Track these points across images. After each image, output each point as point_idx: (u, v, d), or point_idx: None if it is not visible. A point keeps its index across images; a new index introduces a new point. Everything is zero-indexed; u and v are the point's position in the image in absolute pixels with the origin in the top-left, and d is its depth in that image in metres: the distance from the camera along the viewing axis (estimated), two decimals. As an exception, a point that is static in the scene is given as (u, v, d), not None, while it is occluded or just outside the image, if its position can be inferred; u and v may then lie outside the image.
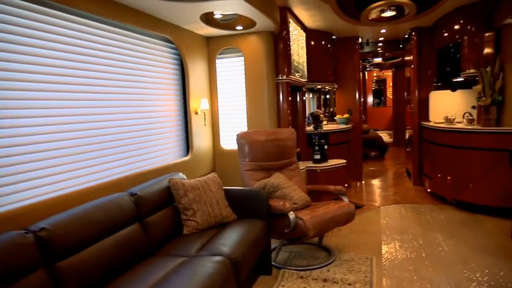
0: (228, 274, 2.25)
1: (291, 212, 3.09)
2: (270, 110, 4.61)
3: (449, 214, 4.71)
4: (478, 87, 4.73)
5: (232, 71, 4.72)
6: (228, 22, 4.20)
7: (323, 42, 6.30)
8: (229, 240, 2.57)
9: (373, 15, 5.06)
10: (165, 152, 3.86)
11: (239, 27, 4.31)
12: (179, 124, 4.17)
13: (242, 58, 4.59)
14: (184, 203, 2.84)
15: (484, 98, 4.62)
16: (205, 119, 4.51)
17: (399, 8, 4.75)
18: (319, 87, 6.53)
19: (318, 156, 4.84)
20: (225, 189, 3.19)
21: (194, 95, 4.31)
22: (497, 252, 3.52)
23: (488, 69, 4.62)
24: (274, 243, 3.48)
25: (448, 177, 5.03)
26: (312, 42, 6.02)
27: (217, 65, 4.73)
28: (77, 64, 2.66)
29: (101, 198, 2.39)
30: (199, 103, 4.38)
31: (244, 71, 4.60)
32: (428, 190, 5.73)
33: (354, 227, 4.25)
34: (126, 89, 3.23)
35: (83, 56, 2.72)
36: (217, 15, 3.93)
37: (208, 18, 3.95)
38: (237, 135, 3.82)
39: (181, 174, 3.26)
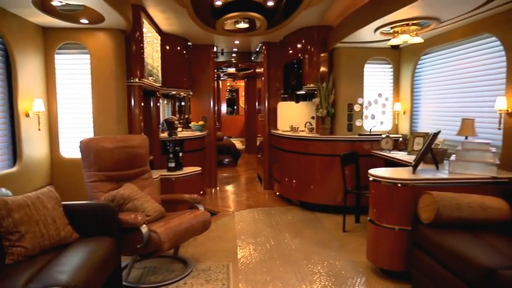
0: (67, 307, 1.89)
1: (144, 225, 2.85)
2: (120, 114, 4.23)
3: (295, 214, 5.16)
4: (317, 100, 5.35)
5: (76, 69, 4.15)
6: (70, 13, 3.68)
7: (179, 48, 6.19)
8: (69, 265, 2.17)
9: (228, 25, 5.22)
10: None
11: (84, 21, 3.82)
12: (3, 128, 3.42)
13: (88, 56, 4.10)
14: (7, 225, 2.29)
15: (321, 110, 5.25)
16: (39, 123, 3.83)
17: (252, 22, 5.01)
18: (174, 93, 6.38)
19: (172, 164, 4.66)
20: (65, 205, 2.72)
21: (25, 95, 3.61)
22: (334, 245, 3.99)
23: (324, 84, 5.28)
24: (126, 260, 3.16)
25: (294, 181, 5.52)
26: (167, 47, 5.84)
27: (56, 61, 4.10)
28: None
29: None
30: (31, 104, 3.70)
31: (90, 70, 4.11)
32: (277, 193, 6.19)
33: (210, 235, 4.23)
34: None
35: None
36: (56, 2, 3.39)
37: (44, 4, 3.37)
38: (81, 142, 3.35)
39: (3, 190, 2.64)
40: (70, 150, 4.15)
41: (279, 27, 5.22)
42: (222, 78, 12.31)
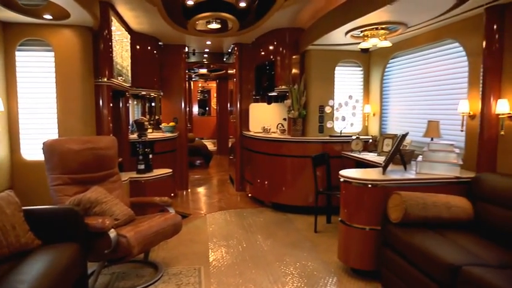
0: (28, 318, 1.79)
1: (112, 230, 2.75)
2: (87, 115, 4.08)
3: (267, 216, 5.15)
4: (288, 101, 5.38)
5: (39, 67, 3.97)
6: (33, 7, 3.51)
7: (149, 47, 6.05)
8: (30, 274, 2.06)
9: (200, 26, 5.15)
10: None
11: (48, 16, 3.66)
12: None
13: (52, 54, 3.92)
14: (-38, 232, 2.15)
15: (293, 112, 5.28)
16: (-2, 123, 3.63)
17: (224, 22, 4.97)
18: (144, 93, 6.23)
19: (142, 166, 4.54)
20: (26, 210, 2.58)
21: (-18, 93, 3.41)
22: (306, 245, 4.02)
23: (296, 86, 5.32)
24: (92, 266, 3.04)
25: (266, 182, 5.52)
26: (138, 46, 5.70)
27: (17, 58, 3.90)
28: None
29: None
30: (-11, 103, 3.50)
31: (54, 68, 3.93)
32: (250, 195, 6.17)
33: (182, 238, 4.15)
34: None
35: None
36: (17, -4, 3.22)
37: (3, -2, 3.20)
38: (44, 143, 3.19)
39: (-42, 195, 2.47)
40: (32, 152, 3.95)
41: (251, 28, 5.21)
42: (193, 79, 12.17)
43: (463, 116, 3.52)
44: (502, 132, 3.14)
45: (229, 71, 7.91)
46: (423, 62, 4.31)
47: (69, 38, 3.92)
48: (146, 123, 5.16)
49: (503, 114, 3.09)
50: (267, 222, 4.87)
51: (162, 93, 6.60)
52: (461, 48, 3.63)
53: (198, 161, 9.89)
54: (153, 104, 7.21)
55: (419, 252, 2.55)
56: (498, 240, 2.67)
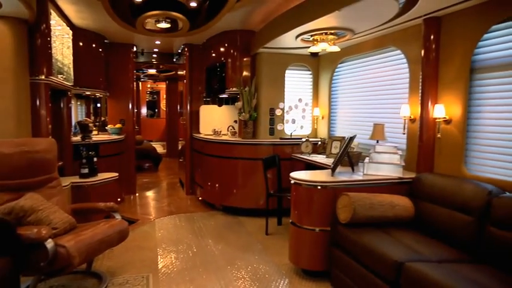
0: None
1: (50, 240, 2.54)
2: (22, 115, 3.75)
3: (218, 219, 5.08)
4: (239, 104, 5.36)
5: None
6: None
7: (94, 45, 5.74)
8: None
9: (149, 24, 4.98)
10: None
11: (-25, 6, 3.32)
12: None
13: (-20, 47, 3.57)
14: None
15: (243, 114, 5.27)
16: None
17: (174, 22, 4.84)
18: (88, 93, 5.90)
19: (85, 170, 4.28)
20: None
21: None
22: (257, 248, 4.01)
23: (247, 88, 5.32)
24: (27, 280, 2.79)
25: (216, 185, 5.45)
26: (81, 43, 5.38)
27: None
28: None
29: None
30: None
31: (-17, 64, 3.59)
32: (200, 198, 6.06)
33: (129, 245, 3.96)
34: None
35: None
36: None
37: None
38: (-29, 146, 2.89)
39: None
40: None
41: (202, 29, 5.12)
42: (142, 80, 11.79)
43: (405, 119, 3.71)
44: (439, 135, 3.34)
45: (179, 72, 7.73)
46: (369, 68, 4.50)
47: (0, 30, 3.59)
48: (91, 124, 4.87)
49: (439, 119, 3.30)
50: (218, 226, 4.80)
51: (108, 94, 6.29)
52: (403, 56, 3.83)
53: (147, 164, 9.57)
54: (98, 105, 6.86)
55: (367, 251, 2.64)
56: (437, 236, 2.83)
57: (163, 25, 4.82)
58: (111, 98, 6.42)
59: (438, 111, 3.28)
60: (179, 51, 7.11)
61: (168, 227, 4.73)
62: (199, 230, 4.64)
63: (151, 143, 11.30)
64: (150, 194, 6.83)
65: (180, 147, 7.70)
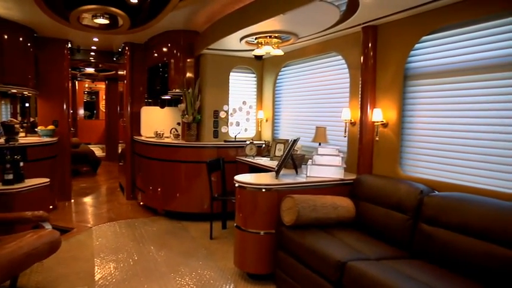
0: None
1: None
2: None
3: (160, 225, 4.90)
4: (182, 105, 5.23)
5: None
6: None
7: (21, 39, 5.28)
8: None
9: (87, 20, 4.67)
10: None
11: None
12: None
13: None
14: None
15: (187, 116, 5.15)
16: None
17: (114, 18, 4.59)
18: (15, 91, 5.40)
19: (10, 176, 3.88)
20: None
21: None
22: (201, 254, 3.92)
23: (190, 90, 5.20)
24: None
25: (159, 189, 5.26)
26: (5, 36, 4.92)
27: None
28: None
29: None
30: None
31: None
32: (141, 203, 5.81)
33: (62, 256, 3.66)
34: None
35: None
36: None
37: None
38: None
39: None
40: None
41: (143, 27, 4.92)
42: (79, 79, 11.09)
43: (346, 122, 3.85)
44: (377, 138, 3.51)
45: (119, 72, 7.36)
46: (312, 72, 4.61)
47: None
48: (17, 126, 4.46)
49: (377, 122, 3.46)
50: (160, 232, 4.62)
51: (38, 92, 5.81)
52: (344, 61, 3.97)
53: (84, 168, 9.01)
54: (27, 105, 6.31)
55: (310, 252, 2.68)
56: (376, 235, 2.96)
57: (101, 21, 4.55)
58: (42, 97, 5.93)
59: (376, 115, 3.44)
60: (119, 50, 6.79)
61: (106, 235, 4.46)
62: (141, 236, 4.43)
63: (89, 145, 10.67)
64: (87, 199, 6.42)
65: (120, 150, 7.34)
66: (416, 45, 3.16)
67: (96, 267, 3.54)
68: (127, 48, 6.17)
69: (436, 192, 2.78)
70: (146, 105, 6.25)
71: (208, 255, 3.88)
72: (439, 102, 3.01)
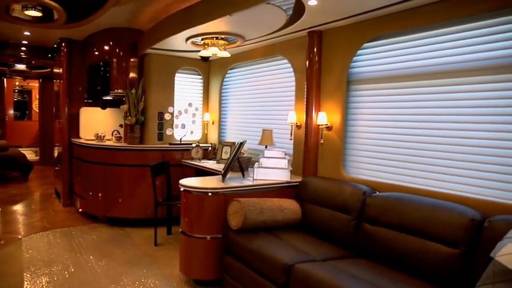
0: None
1: None
2: None
3: (101, 233, 4.62)
4: (125, 106, 5.00)
5: None
6: None
7: None
8: None
9: (17, 11, 4.28)
10: None
11: None
12: None
13: None
14: None
15: (130, 118, 4.93)
16: None
17: (48, 11, 4.25)
18: None
19: None
20: None
21: None
22: (145, 261, 3.75)
23: (133, 91, 4.99)
24: None
25: (100, 195, 4.97)
26: None
27: None
28: None
29: None
30: None
31: None
32: (80, 210, 5.46)
33: (-16, 272, 3.31)
34: None
35: None
36: None
37: None
38: None
39: None
40: None
41: (81, 22, 4.63)
42: (8, 76, 10.20)
43: (292, 125, 3.91)
44: (322, 141, 3.60)
45: (55, 70, 6.86)
46: (259, 75, 4.63)
47: None
48: None
49: (322, 125, 3.55)
50: (100, 240, 4.36)
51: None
52: (289, 65, 4.03)
53: (14, 174, 8.27)
54: None
55: (258, 256, 2.66)
56: (322, 236, 3.03)
57: (33, 13, 4.19)
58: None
59: (321, 118, 3.52)
60: (55, 46, 6.33)
61: (39, 246, 4.11)
62: (79, 246, 4.14)
63: (21, 149, 9.84)
64: (17, 208, 5.89)
65: (56, 154, 6.84)
66: (359, 51, 3.28)
67: (25, 282, 3.23)
68: (64, 44, 5.76)
69: (378, 193, 2.90)
70: (86, 105, 5.88)
71: (152, 263, 3.72)
72: (380, 107, 3.16)
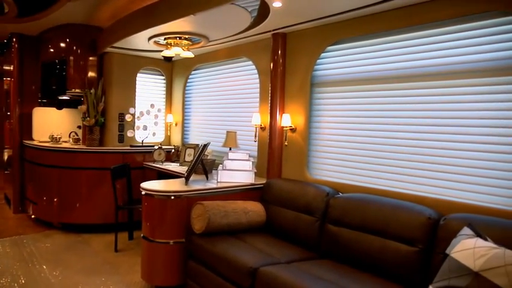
0: None
1: None
2: None
3: (55, 240, 4.38)
4: (83, 107, 4.79)
5: None
6: None
7: None
8: None
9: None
10: None
11: None
12: None
13: None
14: None
15: (88, 119, 4.72)
16: None
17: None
18: None
19: None
20: None
21: None
22: (105, 269, 3.58)
23: (92, 91, 4.79)
24: None
25: (55, 200, 4.71)
26: None
27: None
28: None
29: None
30: None
31: None
32: (33, 216, 5.15)
33: None
34: None
35: None
36: None
37: None
38: None
39: None
40: None
41: (35, 17, 4.38)
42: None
43: (256, 127, 3.90)
44: (286, 143, 3.61)
45: (5, 67, 6.45)
46: (223, 76, 4.59)
47: None
48: None
49: (286, 127, 3.56)
50: (55, 248, 4.12)
51: None
52: (254, 67, 4.02)
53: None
54: None
55: (222, 260, 2.62)
56: (287, 238, 3.03)
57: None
58: None
59: (285, 120, 3.53)
60: (5, 41, 5.95)
61: (-15, 256, 3.83)
62: (31, 255, 3.89)
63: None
64: (-40, 215, 5.46)
65: (6, 157, 6.41)
66: (322, 54, 3.33)
67: (-30, 295, 2.99)
68: (15, 39, 5.42)
69: (341, 194, 2.95)
70: (40, 105, 5.57)
71: (112, 270, 3.56)
72: (342, 109, 3.22)
